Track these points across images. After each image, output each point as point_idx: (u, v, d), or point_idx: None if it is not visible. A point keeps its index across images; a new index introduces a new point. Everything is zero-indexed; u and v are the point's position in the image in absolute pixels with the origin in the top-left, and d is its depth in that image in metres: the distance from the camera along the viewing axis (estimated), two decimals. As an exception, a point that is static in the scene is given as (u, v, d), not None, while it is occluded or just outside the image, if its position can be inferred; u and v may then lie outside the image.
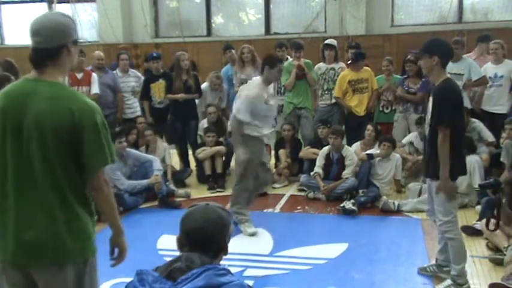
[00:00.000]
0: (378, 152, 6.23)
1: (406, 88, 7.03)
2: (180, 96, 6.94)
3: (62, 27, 2.23)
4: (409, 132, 6.97)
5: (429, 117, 3.69)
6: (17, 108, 2.18)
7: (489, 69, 6.82)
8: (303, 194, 6.45)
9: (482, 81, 6.69)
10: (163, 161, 6.86)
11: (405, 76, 7.15)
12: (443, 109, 3.57)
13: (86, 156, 2.19)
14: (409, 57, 7.17)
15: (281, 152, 7.01)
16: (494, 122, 6.72)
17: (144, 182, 6.12)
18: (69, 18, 2.31)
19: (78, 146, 2.18)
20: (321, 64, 7.37)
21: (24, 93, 2.20)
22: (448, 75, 3.79)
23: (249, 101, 4.90)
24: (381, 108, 7.32)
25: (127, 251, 2.46)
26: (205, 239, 1.92)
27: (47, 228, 2.18)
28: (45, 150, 2.15)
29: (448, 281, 3.82)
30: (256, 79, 5.15)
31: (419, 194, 5.85)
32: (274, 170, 7.04)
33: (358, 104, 7.03)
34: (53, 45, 2.20)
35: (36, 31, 2.21)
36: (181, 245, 1.98)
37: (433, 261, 4.13)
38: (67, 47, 2.24)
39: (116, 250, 2.44)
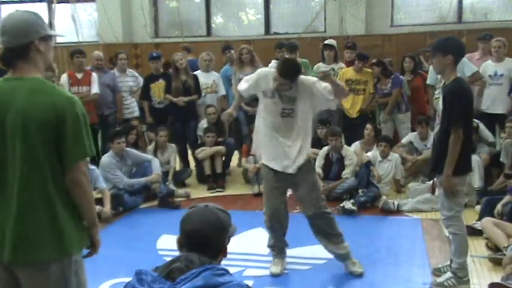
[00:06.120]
0: (377, 153, 6.25)
1: (380, 92, 7.05)
2: (181, 101, 6.95)
3: (25, 25, 2.21)
4: (396, 132, 6.98)
5: (440, 115, 3.69)
6: None
7: (489, 67, 6.66)
8: (302, 194, 6.43)
9: (476, 77, 6.46)
10: (168, 162, 6.85)
11: (375, 81, 7.14)
12: (455, 111, 3.57)
13: (66, 147, 2.18)
14: (374, 61, 7.21)
15: (281, 151, 6.98)
16: (492, 122, 6.66)
17: (142, 180, 6.13)
18: (34, 15, 2.27)
19: (61, 139, 2.17)
20: (321, 64, 7.35)
21: (4, 92, 2.20)
22: (458, 74, 3.76)
23: None
24: None
25: (99, 245, 2.43)
26: (203, 241, 1.92)
27: (28, 224, 2.16)
28: (30, 146, 2.14)
29: (449, 274, 3.84)
30: None
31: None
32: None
33: (351, 106, 7.04)
34: (17, 44, 2.19)
35: (4, 31, 2.21)
36: (180, 245, 1.98)
37: (447, 262, 4.06)
38: (34, 44, 2.22)
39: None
